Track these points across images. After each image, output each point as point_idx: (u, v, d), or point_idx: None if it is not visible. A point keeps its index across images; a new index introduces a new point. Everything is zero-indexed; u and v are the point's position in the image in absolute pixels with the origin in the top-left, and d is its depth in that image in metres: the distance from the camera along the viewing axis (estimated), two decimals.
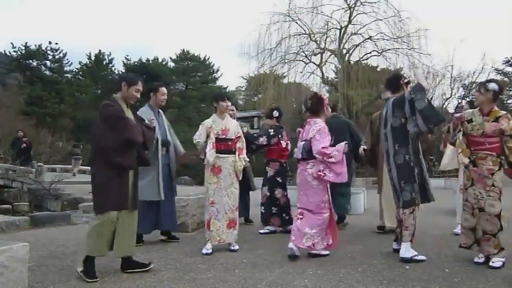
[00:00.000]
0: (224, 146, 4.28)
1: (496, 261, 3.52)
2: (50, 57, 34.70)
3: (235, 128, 4.41)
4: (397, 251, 4.04)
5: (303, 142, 4.11)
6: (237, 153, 4.34)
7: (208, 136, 4.26)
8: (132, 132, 3.28)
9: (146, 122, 3.82)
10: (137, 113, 4.62)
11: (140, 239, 4.39)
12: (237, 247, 4.22)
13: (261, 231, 5.31)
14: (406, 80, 4.10)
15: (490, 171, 3.60)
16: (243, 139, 4.49)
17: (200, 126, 4.37)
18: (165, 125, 4.78)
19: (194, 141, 4.34)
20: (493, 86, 3.69)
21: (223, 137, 4.30)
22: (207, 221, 4.21)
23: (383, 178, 5.20)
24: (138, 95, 3.46)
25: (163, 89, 4.76)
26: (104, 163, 3.23)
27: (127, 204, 3.32)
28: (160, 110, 4.83)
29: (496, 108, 3.69)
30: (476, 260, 3.69)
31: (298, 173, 4.14)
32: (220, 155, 4.23)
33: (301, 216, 3.99)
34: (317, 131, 3.98)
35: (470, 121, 3.75)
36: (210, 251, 4.09)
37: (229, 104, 4.50)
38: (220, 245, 4.19)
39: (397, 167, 3.87)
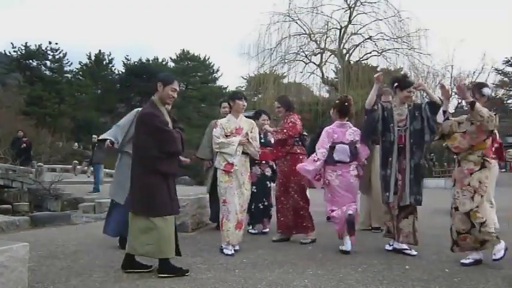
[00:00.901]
0: None
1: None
2: (50, 57, 34.69)
3: (248, 127, 4.36)
4: (396, 250, 4.06)
5: (346, 145, 4.22)
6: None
7: (226, 136, 4.22)
8: (176, 145, 3.34)
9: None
10: None
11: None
12: (237, 247, 4.21)
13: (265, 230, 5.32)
14: (395, 85, 4.15)
15: (470, 171, 3.66)
16: (256, 137, 4.43)
17: (217, 122, 4.42)
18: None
19: (214, 137, 4.26)
20: (487, 91, 3.78)
21: (237, 135, 4.25)
22: (221, 220, 4.19)
23: (372, 178, 5.24)
24: (175, 95, 3.46)
25: None
26: (151, 171, 3.27)
27: (178, 208, 3.46)
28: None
29: None
30: (462, 261, 3.63)
31: (338, 175, 4.20)
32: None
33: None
34: (360, 135, 4.32)
35: (459, 124, 3.77)
36: (232, 251, 4.07)
37: (245, 103, 4.44)
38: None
39: None
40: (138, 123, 3.42)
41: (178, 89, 3.47)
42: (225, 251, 4.07)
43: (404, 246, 4.05)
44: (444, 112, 3.81)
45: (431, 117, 3.93)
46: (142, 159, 3.33)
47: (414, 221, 4.06)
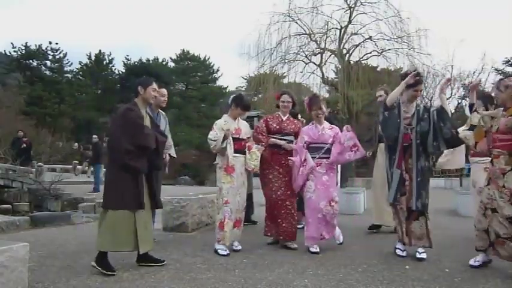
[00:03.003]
0: (237, 145, 4.22)
1: None
2: (50, 57, 34.72)
3: (246, 129, 4.39)
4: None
5: None
6: (247, 151, 4.27)
7: (226, 137, 4.13)
8: (147, 140, 3.42)
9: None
10: None
11: None
12: (239, 247, 4.19)
13: None
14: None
15: (502, 171, 3.42)
16: (251, 139, 4.44)
17: (214, 126, 4.24)
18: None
19: (210, 141, 4.18)
20: None
21: (237, 136, 4.25)
22: (220, 221, 4.13)
23: (373, 175, 5.23)
24: (157, 94, 3.72)
25: (160, 90, 4.70)
26: (119, 164, 3.35)
27: (143, 204, 3.45)
28: (162, 113, 4.82)
29: None
30: (471, 262, 3.55)
31: None
32: (234, 154, 4.18)
33: None
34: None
35: (492, 118, 3.59)
36: (228, 251, 4.05)
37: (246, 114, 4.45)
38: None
39: None
40: (115, 117, 3.53)
41: (157, 88, 3.74)
42: (220, 251, 4.05)
43: (418, 249, 3.87)
44: (472, 105, 3.81)
45: (437, 124, 3.78)
46: (113, 151, 3.42)
47: (427, 222, 3.84)
